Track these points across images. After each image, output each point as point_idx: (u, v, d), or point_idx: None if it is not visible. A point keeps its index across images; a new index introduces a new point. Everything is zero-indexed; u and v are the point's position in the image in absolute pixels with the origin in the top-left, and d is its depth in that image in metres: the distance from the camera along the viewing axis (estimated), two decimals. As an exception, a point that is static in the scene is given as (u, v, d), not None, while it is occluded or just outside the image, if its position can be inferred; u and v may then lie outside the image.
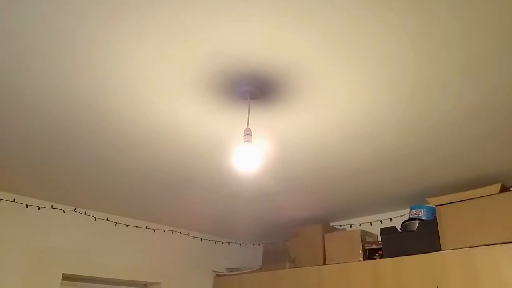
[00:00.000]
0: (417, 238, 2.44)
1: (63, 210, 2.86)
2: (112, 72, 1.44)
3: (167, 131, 1.86)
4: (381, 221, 3.02)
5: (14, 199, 2.64)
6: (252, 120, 1.74)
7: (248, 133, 1.53)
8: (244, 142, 1.52)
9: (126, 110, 1.69)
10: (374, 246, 2.67)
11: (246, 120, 1.72)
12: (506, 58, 1.34)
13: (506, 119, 1.71)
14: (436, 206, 2.43)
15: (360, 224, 3.13)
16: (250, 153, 1.50)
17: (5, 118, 1.75)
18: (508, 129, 1.80)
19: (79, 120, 1.76)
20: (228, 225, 3.36)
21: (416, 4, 1.13)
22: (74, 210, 2.91)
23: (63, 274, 2.74)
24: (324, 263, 2.84)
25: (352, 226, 3.19)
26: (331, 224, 3.30)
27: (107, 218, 3.07)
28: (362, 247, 2.69)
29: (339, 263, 2.74)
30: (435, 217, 2.43)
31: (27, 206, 2.70)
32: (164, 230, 3.38)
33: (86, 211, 2.97)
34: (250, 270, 3.36)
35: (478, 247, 2.16)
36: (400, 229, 2.58)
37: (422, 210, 2.53)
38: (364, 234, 2.79)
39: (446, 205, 2.38)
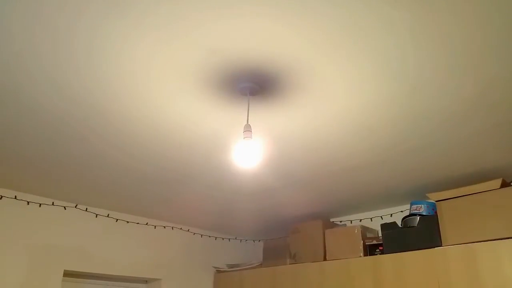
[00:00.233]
0: (417, 233, 2.44)
1: (64, 207, 2.86)
2: (111, 70, 1.44)
3: (167, 128, 1.85)
4: (381, 216, 3.02)
5: (15, 196, 2.65)
6: (252, 116, 1.74)
7: (248, 129, 1.52)
8: (244, 138, 1.52)
9: (125, 108, 1.69)
10: (374, 242, 2.67)
11: (245, 116, 1.71)
12: (504, 52, 1.33)
13: (506, 113, 1.71)
14: (436, 201, 2.43)
15: (360, 220, 3.13)
16: (250, 149, 1.49)
17: (6, 117, 1.75)
18: (508, 123, 1.79)
19: (79, 118, 1.76)
20: (229, 221, 3.37)
21: (415, 0, 1.12)
22: (75, 207, 2.92)
23: (64, 270, 2.74)
24: (325, 259, 2.85)
25: (352, 222, 3.19)
26: (332, 220, 3.30)
27: (108, 215, 3.07)
28: (363, 243, 2.69)
29: (340, 259, 2.75)
30: (436, 212, 2.43)
31: (28, 203, 2.70)
32: (164, 227, 3.38)
33: (87, 208, 2.97)
34: (251, 266, 3.37)
35: (479, 242, 2.16)
36: (401, 225, 2.58)
37: (422, 205, 2.52)
38: (365, 230, 2.79)
39: (447, 200, 2.38)
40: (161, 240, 3.33)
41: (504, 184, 2.23)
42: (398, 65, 1.41)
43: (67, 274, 2.81)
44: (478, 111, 1.69)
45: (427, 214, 2.48)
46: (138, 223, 3.23)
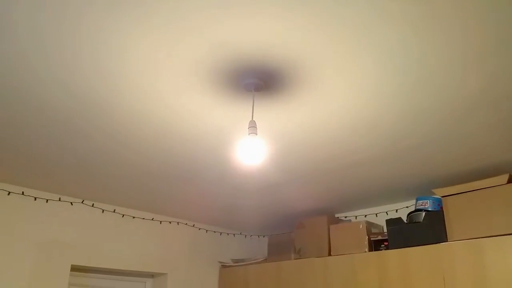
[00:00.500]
0: (423, 229, 2.43)
1: (71, 203, 2.88)
2: (116, 66, 1.44)
3: (172, 124, 1.86)
4: (386, 212, 3.01)
5: (22, 192, 2.67)
6: (257, 112, 1.74)
7: (252, 125, 1.52)
8: (249, 134, 1.52)
9: (130, 104, 1.69)
10: (379, 238, 2.66)
11: (250, 113, 1.71)
12: (507, 47, 1.32)
13: (509, 108, 1.69)
14: (442, 197, 2.42)
15: (365, 216, 3.13)
16: (255, 145, 1.49)
17: (12, 115, 1.76)
18: (515, 119, 1.78)
19: (84, 115, 1.77)
20: (234, 216, 3.38)
21: (421, -6, 1.12)
22: (82, 202, 2.94)
23: (71, 265, 2.77)
24: (330, 255, 2.85)
25: (357, 217, 3.19)
26: (337, 215, 3.30)
27: (114, 210, 3.09)
28: (368, 239, 2.69)
29: (345, 254, 2.75)
30: (442, 208, 2.42)
31: (35, 198, 2.73)
32: (170, 222, 3.40)
33: (93, 203, 3.00)
34: (255, 261, 3.39)
35: (485, 238, 2.15)
36: (406, 220, 2.58)
37: (428, 201, 2.52)
38: (370, 225, 2.78)
39: (453, 196, 2.37)
40: (167, 235, 3.36)
41: (510, 180, 2.22)
42: (401, 60, 1.40)
43: (74, 268, 2.84)
44: (482, 106, 1.68)
45: (433, 209, 2.47)
46: (144, 218, 3.25)
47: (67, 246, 2.79)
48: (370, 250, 2.66)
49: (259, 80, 1.51)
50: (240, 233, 3.88)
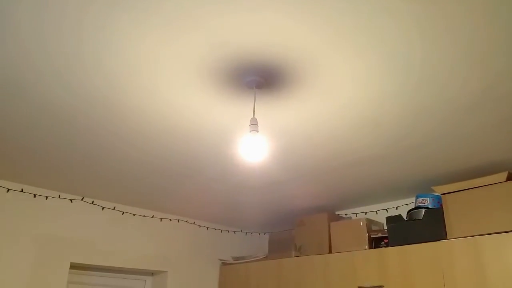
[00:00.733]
0: (423, 226, 2.44)
1: (71, 200, 2.88)
2: (118, 63, 1.44)
3: (173, 121, 1.86)
4: (386, 209, 3.02)
5: (22, 189, 2.67)
6: (258, 110, 1.74)
7: (254, 122, 1.52)
8: (250, 131, 1.52)
9: (131, 101, 1.69)
10: (379, 235, 2.67)
11: (252, 110, 1.71)
12: (511, 46, 1.32)
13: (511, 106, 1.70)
14: (442, 194, 2.42)
15: (365, 213, 3.14)
16: (256, 142, 1.49)
17: (13, 112, 1.76)
18: (516, 117, 1.78)
19: (85, 111, 1.77)
20: (234, 214, 3.38)
21: (424, -9, 1.12)
22: (82, 199, 2.94)
23: (71, 262, 2.77)
24: (330, 252, 2.86)
25: (357, 214, 3.20)
26: (337, 212, 3.31)
27: (114, 207, 3.10)
28: (368, 236, 2.70)
29: (345, 251, 2.76)
30: (441, 205, 2.43)
31: (35, 196, 2.73)
32: (170, 219, 3.41)
33: (93, 201, 3.00)
34: (256, 258, 3.39)
35: (485, 235, 2.16)
36: (406, 218, 2.59)
37: (428, 198, 2.52)
38: (370, 222, 2.79)
39: (452, 193, 2.37)
40: (167, 233, 3.36)
41: (510, 177, 2.22)
42: (405, 59, 1.40)
43: (74, 266, 2.84)
44: (484, 105, 1.68)
45: (433, 207, 2.48)
46: (144, 215, 3.25)
47: (67, 244, 2.79)
48: (370, 247, 2.67)
49: (261, 78, 1.51)
50: (241, 231, 3.89)
